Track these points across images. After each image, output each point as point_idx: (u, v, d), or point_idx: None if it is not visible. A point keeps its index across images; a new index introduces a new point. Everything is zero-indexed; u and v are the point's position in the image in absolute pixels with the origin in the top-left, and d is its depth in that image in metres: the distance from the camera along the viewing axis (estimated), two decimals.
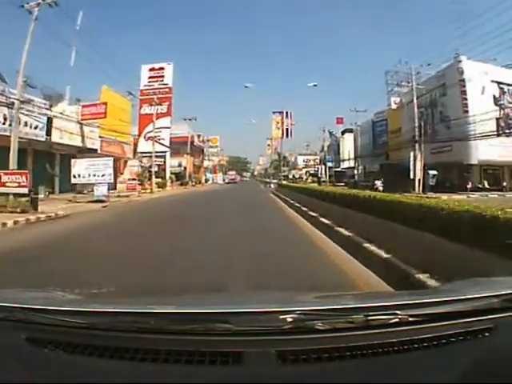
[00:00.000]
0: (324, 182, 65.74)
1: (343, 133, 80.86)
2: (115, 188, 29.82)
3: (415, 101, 37.03)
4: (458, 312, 1.60)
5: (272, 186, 55.11)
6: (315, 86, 52.22)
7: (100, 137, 33.37)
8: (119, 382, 1.33)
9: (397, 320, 1.53)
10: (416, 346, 1.48)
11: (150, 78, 55.74)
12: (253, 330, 1.52)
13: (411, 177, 35.56)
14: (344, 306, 1.73)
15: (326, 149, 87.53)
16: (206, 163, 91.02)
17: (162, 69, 56.96)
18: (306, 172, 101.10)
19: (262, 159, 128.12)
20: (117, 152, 36.95)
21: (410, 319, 1.55)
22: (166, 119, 55.42)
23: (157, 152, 47.17)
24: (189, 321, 1.53)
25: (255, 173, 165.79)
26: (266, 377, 1.34)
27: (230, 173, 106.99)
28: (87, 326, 1.53)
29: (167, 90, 55.74)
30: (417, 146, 35.97)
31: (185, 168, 64.79)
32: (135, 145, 46.54)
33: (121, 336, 1.51)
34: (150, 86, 55.30)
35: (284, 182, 43.75)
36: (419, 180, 35.02)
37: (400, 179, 37.07)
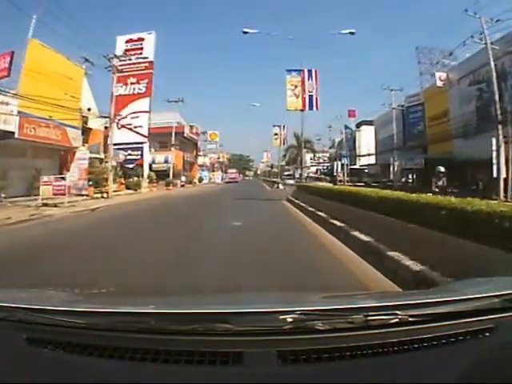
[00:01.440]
0: (341, 181, 59.41)
1: (358, 125, 74.75)
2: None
3: (492, 65, 27.84)
4: (458, 312, 1.66)
5: (281, 186, 52.43)
6: (352, 33, 29.20)
7: (19, 112, 22.98)
8: (119, 382, 1.40)
9: (397, 320, 1.58)
10: (416, 345, 1.53)
11: (126, 51, 43.02)
12: (253, 330, 1.57)
13: (494, 175, 26.19)
14: (344, 306, 1.76)
15: (336, 144, 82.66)
16: (201, 160, 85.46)
17: (141, 40, 47.29)
18: (317, 170, 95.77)
19: (266, 155, 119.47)
20: (53, 138, 27.16)
21: (410, 319, 1.60)
22: (145, 101, 47.03)
23: (132, 143, 42.65)
24: (189, 321, 1.59)
25: (258, 172, 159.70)
26: (267, 377, 1.41)
27: (231, 171, 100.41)
28: (87, 326, 1.59)
29: (147, 64, 46.36)
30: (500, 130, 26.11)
31: (172, 164, 54.85)
32: (105, 137, 37.03)
33: (121, 336, 1.57)
34: (126, 60, 42.80)
35: (308, 184, 29.26)
36: (505, 180, 25.33)
37: (461, 178, 30.67)
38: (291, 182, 60.46)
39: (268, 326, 1.57)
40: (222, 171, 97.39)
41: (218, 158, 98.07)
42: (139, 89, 40.64)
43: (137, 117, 39.77)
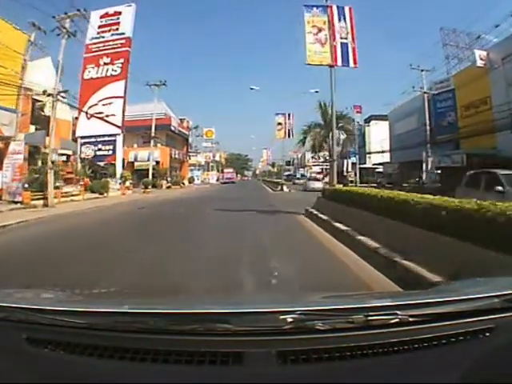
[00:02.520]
0: (352, 182, 56.28)
1: (367, 121, 69.69)
2: None
3: None
4: (458, 312, 1.74)
5: (285, 188, 49.07)
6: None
7: None
8: (119, 382, 1.47)
9: (397, 320, 1.66)
10: (416, 346, 1.60)
11: (100, 27, 38.30)
12: (253, 330, 1.64)
13: None
14: (344, 306, 1.83)
15: (342, 142, 67.51)
16: (195, 159, 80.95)
17: (117, 14, 39.35)
18: (322, 170, 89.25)
19: (265, 153, 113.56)
20: None
21: (411, 319, 1.67)
22: (119, 85, 38.74)
23: (103, 136, 36.34)
24: (189, 321, 1.66)
25: (257, 172, 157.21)
26: (267, 377, 1.46)
27: (227, 170, 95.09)
28: (87, 326, 1.67)
29: (123, 41, 38.49)
30: None
31: (157, 162, 49.89)
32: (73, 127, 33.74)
33: (121, 336, 1.64)
34: (99, 38, 38.41)
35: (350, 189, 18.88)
36: None
37: None
38: (318, 185, 52.34)
39: (268, 326, 1.62)
40: (218, 171, 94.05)
41: (214, 157, 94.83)
42: (113, 70, 36.11)
43: (109, 103, 33.46)
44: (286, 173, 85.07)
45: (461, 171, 30.40)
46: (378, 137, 62.13)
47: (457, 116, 37.71)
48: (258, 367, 1.48)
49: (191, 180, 66.46)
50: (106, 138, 36.03)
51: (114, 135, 36.72)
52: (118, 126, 36.16)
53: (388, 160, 57.61)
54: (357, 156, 64.03)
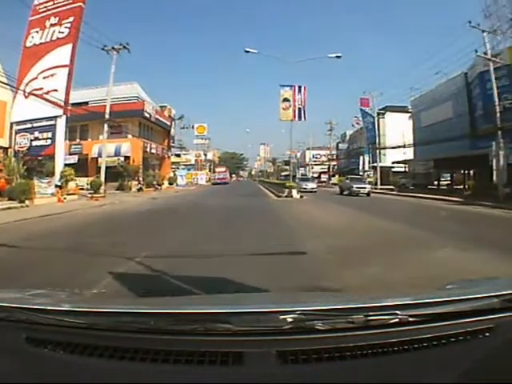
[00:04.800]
0: (370, 183, 48.36)
1: (379, 113, 59.71)
2: None
3: None
4: (458, 312, 1.80)
5: (294, 193, 35.23)
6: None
7: None
8: (119, 382, 1.51)
9: (397, 320, 1.71)
10: (416, 346, 1.66)
11: None
12: (253, 330, 1.68)
13: None
14: (344, 306, 1.87)
15: (348, 138, 75.45)
16: (185, 157, 75.18)
17: None
18: (329, 168, 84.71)
19: (263, 149, 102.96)
20: None
21: (410, 319, 1.72)
22: (65, 50, 29.20)
23: (40, 120, 27.83)
24: (189, 321, 1.71)
25: (253, 172, 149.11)
26: (266, 377, 1.50)
27: (218, 170, 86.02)
28: (87, 326, 1.73)
29: None
30: None
31: (127, 158, 42.35)
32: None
33: (121, 336, 1.69)
34: None
35: None
36: None
37: None
38: (312, 185, 49.24)
39: (268, 326, 1.65)
40: (210, 170, 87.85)
41: (205, 155, 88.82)
42: (60, 32, 25.50)
43: (51, 75, 24.75)
44: (284, 173, 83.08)
45: None
46: (396, 131, 56.20)
47: None
48: (258, 367, 1.52)
49: (172, 181, 59.58)
50: (44, 123, 28.91)
51: (54, 118, 26.70)
52: (61, 106, 27.72)
53: (409, 157, 52.04)
54: (370, 154, 59.82)
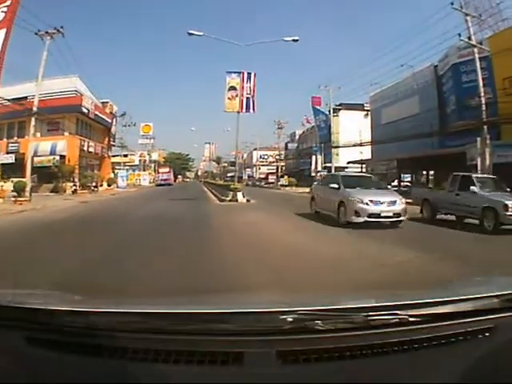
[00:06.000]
0: None
1: (335, 109, 55.59)
2: None
3: None
4: (458, 312, 1.82)
5: (240, 196, 30.29)
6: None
7: None
8: (119, 382, 1.56)
9: (397, 320, 1.73)
10: (416, 345, 1.70)
11: None
12: (253, 330, 1.71)
13: None
14: (344, 306, 1.93)
15: (298, 137, 73.60)
16: (130, 157, 72.81)
17: None
18: (278, 168, 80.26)
19: (208, 148, 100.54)
20: None
21: (410, 319, 1.75)
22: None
23: None
24: (189, 321, 1.73)
25: (199, 172, 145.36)
26: (267, 377, 1.54)
27: (162, 170, 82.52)
28: (87, 326, 1.75)
29: None
30: None
31: (63, 157, 39.10)
32: None
33: (121, 336, 1.71)
34: None
35: None
36: None
37: None
38: (391, 203, 19.91)
39: (268, 326, 1.69)
40: (155, 171, 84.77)
41: (149, 155, 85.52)
42: None
43: None
44: (229, 174, 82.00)
45: None
46: (350, 129, 53.81)
47: (495, 93, 29.37)
48: (258, 367, 1.54)
49: (111, 182, 56.77)
50: None
51: None
52: None
53: (366, 157, 50.37)
54: (322, 153, 56.46)
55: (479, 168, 25.76)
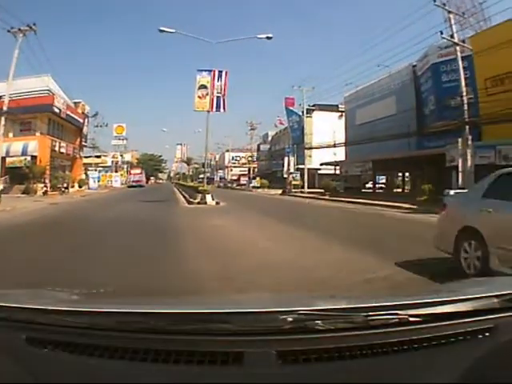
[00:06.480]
0: (297, 187, 48.81)
1: (308, 110, 55.41)
2: None
3: None
4: (458, 312, 1.83)
5: (209, 198, 29.71)
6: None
7: None
8: (119, 382, 1.54)
9: (397, 320, 1.73)
10: (416, 346, 1.69)
11: None
12: (253, 330, 1.70)
13: None
14: (344, 306, 1.94)
15: (270, 139, 73.55)
16: (102, 159, 70.59)
17: None
18: (250, 170, 79.97)
19: (179, 149, 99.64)
20: None
21: (410, 319, 1.74)
22: None
23: None
24: (189, 321, 1.73)
25: (171, 174, 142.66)
26: (266, 377, 1.53)
27: (134, 172, 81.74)
28: (87, 326, 1.75)
29: None
30: None
31: (34, 158, 38.46)
32: None
33: (121, 336, 1.71)
34: None
35: None
36: None
37: None
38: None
39: (268, 326, 1.68)
40: (127, 172, 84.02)
41: (122, 156, 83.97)
42: None
43: None
44: (201, 175, 77.99)
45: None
46: (324, 130, 53.24)
47: (476, 93, 28.85)
48: (258, 367, 1.54)
49: (82, 183, 56.33)
50: None
51: None
52: None
53: (339, 159, 49.13)
54: (295, 155, 55.62)
55: (460, 169, 25.37)
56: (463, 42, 28.28)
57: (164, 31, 30.33)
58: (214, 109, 31.85)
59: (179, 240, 12.26)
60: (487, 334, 1.73)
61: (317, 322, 1.64)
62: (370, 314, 1.68)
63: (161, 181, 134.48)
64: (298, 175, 55.37)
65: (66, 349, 1.64)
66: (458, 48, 27.06)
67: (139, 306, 2.03)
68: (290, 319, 1.63)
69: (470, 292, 1.97)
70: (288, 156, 60.28)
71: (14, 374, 1.54)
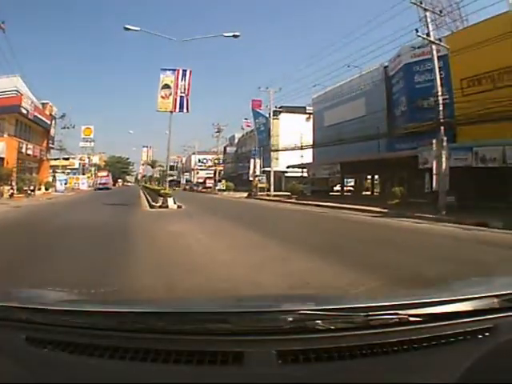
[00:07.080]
0: (263, 190, 47.23)
1: (275, 111, 54.06)
2: None
3: None
4: (458, 312, 1.84)
5: (170, 202, 27.94)
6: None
7: None
8: (119, 382, 1.54)
9: (397, 320, 1.74)
10: (416, 345, 1.70)
11: None
12: (253, 329, 1.71)
13: None
14: (344, 306, 1.91)
15: (237, 141, 73.80)
16: (70, 161, 69.07)
17: None
18: (216, 173, 77.47)
19: (145, 152, 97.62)
20: None
21: (410, 319, 1.76)
22: None
23: None
24: (189, 321, 1.75)
25: (139, 177, 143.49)
26: (266, 377, 1.53)
27: (100, 174, 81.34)
28: (87, 326, 1.76)
29: None
30: None
31: (2, 160, 38.33)
32: None
33: (121, 336, 1.72)
34: None
35: None
36: None
37: None
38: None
39: (268, 326, 1.69)
40: (95, 175, 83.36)
41: (89, 158, 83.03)
42: None
43: None
44: (170, 178, 74.29)
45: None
46: (291, 133, 51.80)
47: (452, 94, 27.19)
48: (258, 367, 1.54)
49: (48, 186, 54.54)
50: None
51: None
52: None
53: (307, 161, 48.50)
54: (261, 157, 55.35)
55: (434, 172, 23.52)
56: (440, 40, 26.36)
57: (129, 29, 28.60)
58: (178, 109, 30.14)
59: (128, 248, 10.43)
60: (487, 333, 1.73)
61: (317, 321, 1.64)
62: (370, 313, 1.68)
63: (129, 183, 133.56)
64: (264, 178, 54.30)
65: (66, 349, 1.63)
66: (433, 47, 25.48)
67: (139, 306, 2.04)
68: (290, 319, 1.63)
69: (470, 292, 1.96)
70: (254, 158, 59.79)
71: (14, 374, 1.52)
